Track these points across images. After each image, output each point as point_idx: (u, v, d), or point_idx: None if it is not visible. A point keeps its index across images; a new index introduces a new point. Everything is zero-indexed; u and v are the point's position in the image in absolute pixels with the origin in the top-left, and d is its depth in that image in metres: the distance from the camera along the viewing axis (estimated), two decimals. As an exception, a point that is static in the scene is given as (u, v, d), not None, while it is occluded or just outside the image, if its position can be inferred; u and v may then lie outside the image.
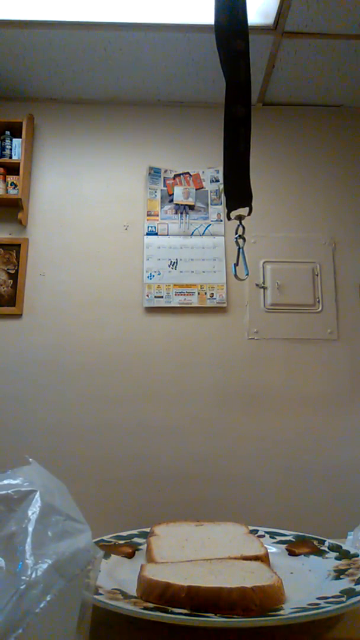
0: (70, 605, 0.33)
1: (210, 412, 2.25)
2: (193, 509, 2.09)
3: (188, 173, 2.51)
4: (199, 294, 2.37)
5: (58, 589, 0.32)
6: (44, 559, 0.34)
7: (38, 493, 0.39)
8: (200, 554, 0.57)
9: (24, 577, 0.32)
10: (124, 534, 0.70)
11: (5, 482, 0.41)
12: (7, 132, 2.43)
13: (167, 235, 2.43)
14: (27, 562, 0.33)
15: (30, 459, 0.45)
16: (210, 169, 2.51)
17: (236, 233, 0.97)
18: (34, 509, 0.38)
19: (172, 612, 0.44)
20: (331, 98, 2.55)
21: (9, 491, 0.39)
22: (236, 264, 0.98)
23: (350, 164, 2.55)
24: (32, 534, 0.36)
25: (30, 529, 0.36)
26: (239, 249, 0.97)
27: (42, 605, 0.31)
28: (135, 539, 0.68)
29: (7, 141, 2.42)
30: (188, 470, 2.18)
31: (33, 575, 0.33)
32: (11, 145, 2.41)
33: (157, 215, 2.46)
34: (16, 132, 2.42)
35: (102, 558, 0.39)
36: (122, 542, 0.67)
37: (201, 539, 0.63)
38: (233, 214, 0.97)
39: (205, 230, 2.44)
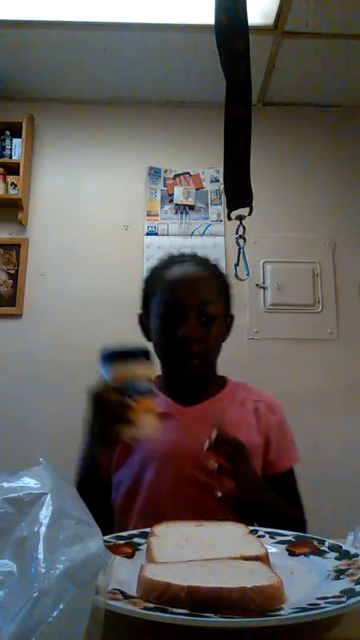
0: (82, 613, 0.32)
1: (210, 412, 2.25)
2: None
3: (188, 173, 2.51)
4: (199, 294, 2.37)
5: (70, 597, 0.32)
6: (56, 565, 0.33)
7: (49, 496, 0.39)
8: (200, 554, 0.57)
9: (36, 584, 0.32)
10: (124, 534, 0.70)
11: (16, 484, 0.40)
12: (7, 132, 2.43)
13: (167, 235, 2.43)
14: (39, 569, 0.33)
15: (41, 459, 0.44)
16: (210, 169, 2.51)
17: (237, 233, 0.97)
18: (45, 513, 0.37)
19: (172, 612, 0.44)
20: (331, 98, 2.55)
21: (20, 494, 0.39)
22: (237, 264, 0.98)
23: (350, 164, 2.55)
24: (44, 539, 0.35)
25: (42, 533, 0.36)
26: (239, 249, 0.97)
27: (55, 613, 0.31)
28: (135, 539, 0.68)
29: (7, 141, 2.42)
30: (188, 470, 2.17)
31: (45, 582, 0.32)
32: (11, 145, 2.41)
33: (157, 215, 2.46)
34: (16, 132, 2.42)
35: (113, 563, 0.39)
36: (122, 542, 0.67)
37: (201, 539, 0.63)
38: (233, 214, 0.97)
39: (205, 230, 2.44)
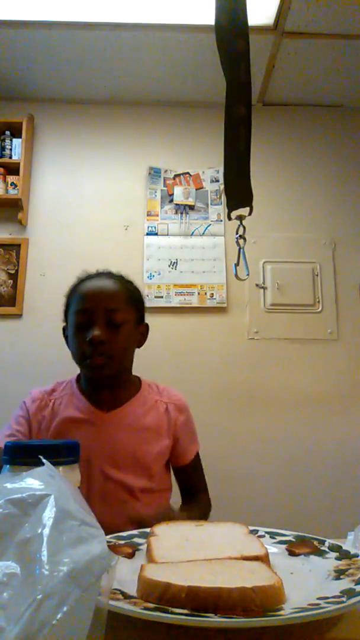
0: (85, 615, 0.32)
1: (210, 412, 2.25)
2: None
3: (188, 173, 2.51)
4: (199, 294, 2.37)
5: (74, 599, 0.32)
6: (59, 567, 0.33)
7: (52, 497, 0.38)
8: (200, 554, 0.57)
9: (40, 586, 0.32)
10: (124, 534, 0.70)
11: (19, 485, 0.40)
12: (7, 132, 2.43)
13: (167, 235, 2.43)
14: (43, 570, 0.33)
15: (44, 460, 0.44)
16: (210, 169, 2.51)
17: (237, 233, 0.96)
18: (48, 514, 0.37)
19: (172, 612, 0.44)
20: (331, 98, 2.55)
21: (23, 495, 0.39)
22: (237, 264, 0.97)
23: (350, 164, 2.55)
24: (48, 540, 0.35)
25: (45, 535, 0.35)
26: (239, 249, 0.96)
27: (59, 616, 0.31)
28: (135, 539, 0.68)
29: (7, 141, 2.42)
30: (188, 470, 2.18)
31: (49, 585, 0.32)
32: (11, 145, 2.41)
33: (157, 215, 2.46)
34: (16, 132, 2.42)
35: (117, 565, 0.39)
36: (122, 542, 0.67)
37: (201, 539, 0.63)
38: (234, 214, 0.97)
39: (205, 230, 2.45)
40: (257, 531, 0.70)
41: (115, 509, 1.06)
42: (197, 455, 1.25)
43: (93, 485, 1.07)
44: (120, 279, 1.19)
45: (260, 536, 0.68)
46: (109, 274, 1.19)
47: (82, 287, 1.15)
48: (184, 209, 2.47)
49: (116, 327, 1.09)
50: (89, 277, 1.18)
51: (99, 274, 1.19)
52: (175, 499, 1.25)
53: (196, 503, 1.20)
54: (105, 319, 1.08)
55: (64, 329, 1.20)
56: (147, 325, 1.23)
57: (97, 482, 1.07)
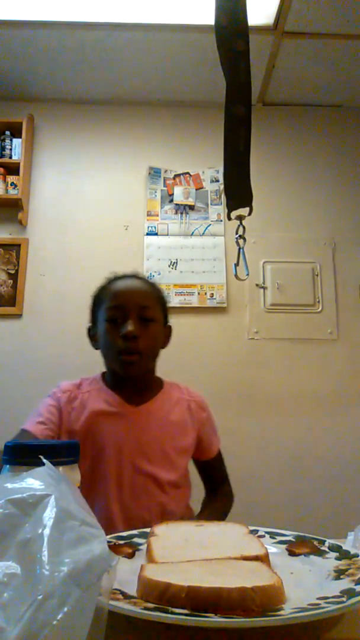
0: (86, 615, 0.32)
1: (210, 412, 2.25)
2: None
3: (188, 173, 2.51)
4: (199, 294, 2.37)
5: (74, 600, 0.32)
6: (60, 567, 0.33)
7: (53, 497, 0.38)
8: (200, 554, 0.57)
9: (40, 587, 0.32)
10: (124, 534, 0.70)
11: (20, 485, 0.40)
12: (7, 132, 2.43)
13: (167, 235, 2.43)
14: (43, 571, 0.33)
15: (45, 460, 0.44)
16: (210, 169, 2.51)
17: (237, 233, 0.96)
18: (49, 514, 0.37)
19: (172, 612, 0.44)
20: (331, 98, 2.55)
21: (24, 495, 0.38)
22: (236, 264, 0.97)
23: (350, 164, 2.55)
24: (48, 540, 0.35)
25: (46, 535, 0.35)
26: (239, 249, 0.96)
27: (59, 616, 0.31)
28: (135, 539, 0.68)
29: (7, 141, 2.42)
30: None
31: (50, 585, 0.32)
32: (11, 145, 2.41)
33: (157, 215, 2.46)
34: (16, 132, 2.42)
35: (117, 565, 0.39)
36: (122, 542, 0.67)
37: (201, 539, 0.63)
38: (233, 214, 0.97)
39: (205, 230, 2.45)
40: (257, 531, 0.70)
41: (144, 503, 1.08)
42: (219, 450, 1.30)
43: (123, 478, 1.09)
44: (148, 280, 1.25)
45: (260, 536, 0.68)
46: (137, 276, 1.24)
47: (113, 285, 1.19)
48: (184, 209, 2.47)
49: (148, 324, 1.12)
50: (119, 277, 1.22)
51: (128, 275, 1.23)
52: (193, 491, 1.26)
53: (218, 500, 1.27)
54: (138, 315, 1.12)
55: (89, 329, 1.24)
56: (170, 328, 1.26)
57: (127, 474, 1.10)
